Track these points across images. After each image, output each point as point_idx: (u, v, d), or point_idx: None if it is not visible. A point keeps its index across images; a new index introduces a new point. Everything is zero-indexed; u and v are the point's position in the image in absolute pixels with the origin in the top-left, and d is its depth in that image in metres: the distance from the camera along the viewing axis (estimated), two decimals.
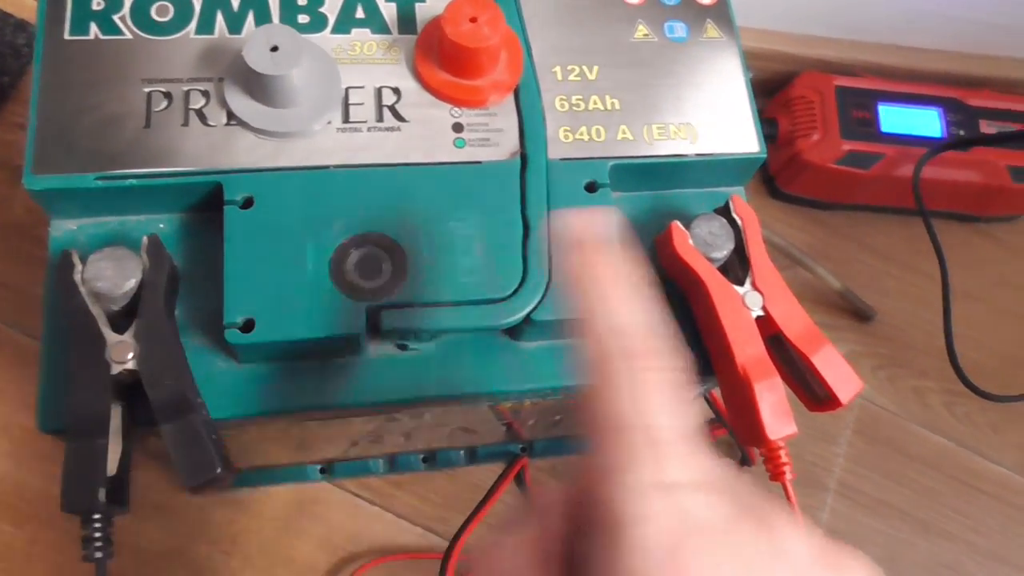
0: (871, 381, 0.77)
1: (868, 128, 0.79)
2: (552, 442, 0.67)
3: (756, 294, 0.42)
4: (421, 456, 0.65)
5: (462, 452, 0.66)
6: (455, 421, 0.53)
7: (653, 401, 0.24)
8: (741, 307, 0.41)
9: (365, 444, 0.56)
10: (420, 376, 0.42)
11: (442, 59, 0.44)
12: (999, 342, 0.81)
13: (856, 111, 0.80)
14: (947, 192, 0.81)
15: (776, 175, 0.83)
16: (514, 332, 0.43)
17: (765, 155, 0.47)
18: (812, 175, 0.79)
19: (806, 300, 0.77)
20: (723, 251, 0.43)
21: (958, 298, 0.79)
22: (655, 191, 0.48)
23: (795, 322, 0.41)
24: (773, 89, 0.86)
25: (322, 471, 0.64)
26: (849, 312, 0.80)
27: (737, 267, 0.44)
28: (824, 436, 0.74)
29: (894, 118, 0.80)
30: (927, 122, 0.80)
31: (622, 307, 0.27)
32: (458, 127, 0.44)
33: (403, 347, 0.42)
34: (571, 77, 0.46)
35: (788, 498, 0.43)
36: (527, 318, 0.41)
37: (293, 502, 0.64)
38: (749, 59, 0.82)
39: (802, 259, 0.75)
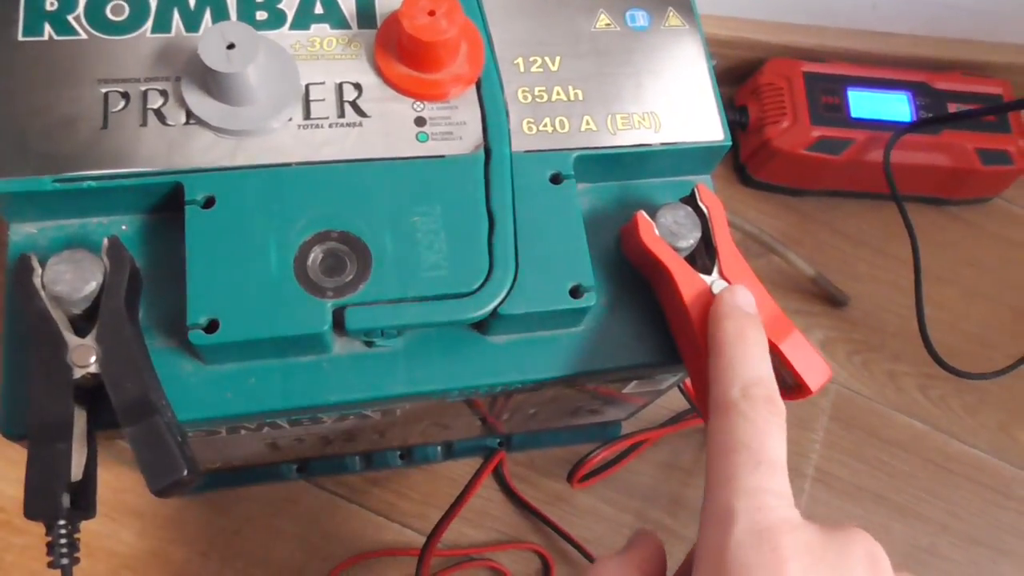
0: (846, 366, 0.78)
1: (837, 113, 0.79)
2: (529, 436, 0.67)
3: (723, 282, 0.42)
4: (398, 453, 0.65)
5: (439, 448, 0.66)
6: (429, 417, 0.53)
7: (768, 435, 0.34)
8: (708, 296, 0.41)
9: (340, 443, 0.56)
10: (388, 373, 0.42)
11: (402, 53, 0.44)
12: (971, 324, 0.81)
13: (825, 97, 0.80)
14: (917, 176, 0.82)
15: (747, 162, 0.83)
16: (482, 326, 0.43)
17: (730, 143, 0.47)
18: (783, 162, 0.79)
19: (779, 287, 0.78)
20: (689, 240, 0.43)
21: (930, 281, 0.80)
22: (621, 181, 0.47)
23: (762, 310, 0.41)
24: (741, 77, 0.86)
25: (298, 470, 0.64)
26: (822, 298, 0.80)
27: (704, 256, 0.44)
28: (800, 422, 0.74)
29: (863, 103, 0.80)
30: (896, 106, 0.81)
31: (762, 364, 0.37)
32: (420, 121, 0.44)
33: (370, 344, 0.42)
34: (533, 68, 0.46)
35: None
36: (494, 312, 0.41)
37: (270, 502, 0.64)
38: (716, 47, 0.83)
39: (774, 246, 0.76)
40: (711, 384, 0.37)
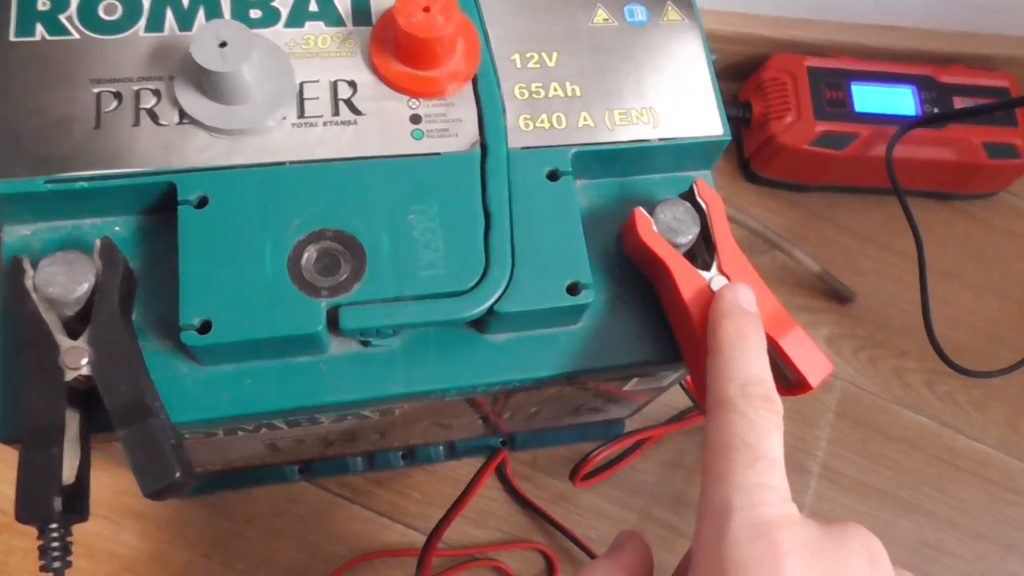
0: (852, 363, 0.77)
1: (842, 108, 0.79)
2: (532, 435, 0.67)
3: (722, 278, 0.41)
4: (400, 453, 0.65)
5: (441, 448, 0.66)
6: (430, 417, 0.52)
7: (765, 432, 0.33)
8: (707, 292, 0.41)
9: (341, 443, 0.56)
10: (385, 373, 0.41)
11: (397, 50, 0.44)
12: (978, 319, 0.81)
13: (829, 91, 0.79)
14: (923, 171, 0.81)
15: (751, 159, 0.83)
16: (480, 325, 0.42)
17: (729, 138, 0.46)
18: (787, 157, 0.79)
19: (785, 284, 0.77)
20: (688, 236, 0.42)
21: (936, 277, 0.79)
22: (620, 177, 0.47)
23: (763, 305, 0.41)
24: (746, 72, 0.85)
25: (301, 471, 0.64)
26: (828, 294, 0.79)
27: (704, 252, 0.43)
28: (806, 419, 0.74)
29: (868, 97, 0.79)
30: (901, 100, 0.80)
31: (759, 363, 0.37)
32: (416, 119, 0.43)
33: (367, 344, 0.41)
34: (530, 64, 0.46)
35: None
36: (491, 310, 0.40)
37: (272, 503, 0.64)
38: (719, 43, 0.82)
39: (779, 242, 0.75)
40: (709, 382, 0.36)
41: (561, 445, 0.68)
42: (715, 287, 0.41)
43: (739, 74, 0.86)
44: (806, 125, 0.77)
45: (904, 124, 0.76)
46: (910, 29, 0.86)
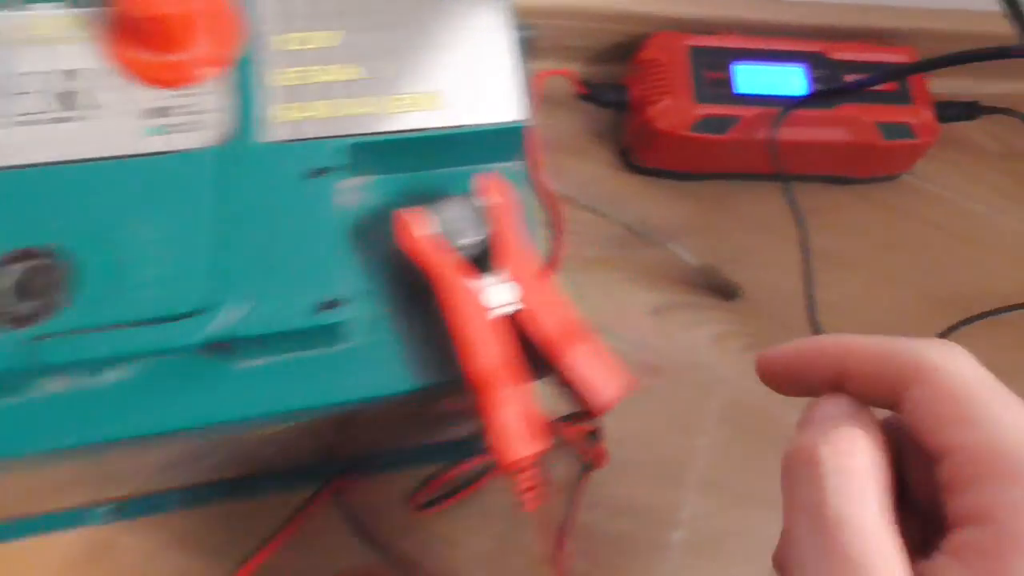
0: (739, 363, 0.71)
1: (722, 90, 0.73)
2: (380, 456, 0.61)
3: (506, 288, 0.36)
4: (223, 487, 0.59)
5: (273, 478, 0.59)
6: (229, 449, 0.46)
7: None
8: (478, 305, 0.35)
9: (157, 478, 0.50)
10: (105, 413, 0.35)
11: (134, 33, 0.37)
12: (876, 310, 0.75)
13: (710, 72, 0.74)
14: (816, 154, 0.75)
15: (629, 147, 0.77)
16: (222, 351, 0.36)
17: (528, 123, 0.40)
18: (666, 144, 0.73)
19: (668, 280, 0.72)
20: (472, 238, 0.37)
21: (832, 266, 0.74)
22: (411, 172, 0.41)
23: (550, 319, 0.35)
24: (628, 53, 0.79)
25: (111, 512, 0.57)
26: (712, 290, 0.73)
27: (493, 256, 0.37)
28: (683, 428, 0.68)
29: (751, 77, 0.74)
30: (788, 80, 0.75)
31: None
32: (155, 112, 0.37)
33: (80, 379, 0.35)
34: (304, 45, 0.40)
35: (539, 529, 0.37)
36: (225, 335, 0.34)
37: (79, 551, 0.57)
38: (600, 21, 0.76)
39: (653, 237, 0.69)
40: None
41: (417, 466, 0.62)
42: (491, 299, 0.35)
43: (621, 56, 0.80)
44: (684, 108, 0.71)
45: (787, 104, 0.71)
46: (805, 2, 0.81)
